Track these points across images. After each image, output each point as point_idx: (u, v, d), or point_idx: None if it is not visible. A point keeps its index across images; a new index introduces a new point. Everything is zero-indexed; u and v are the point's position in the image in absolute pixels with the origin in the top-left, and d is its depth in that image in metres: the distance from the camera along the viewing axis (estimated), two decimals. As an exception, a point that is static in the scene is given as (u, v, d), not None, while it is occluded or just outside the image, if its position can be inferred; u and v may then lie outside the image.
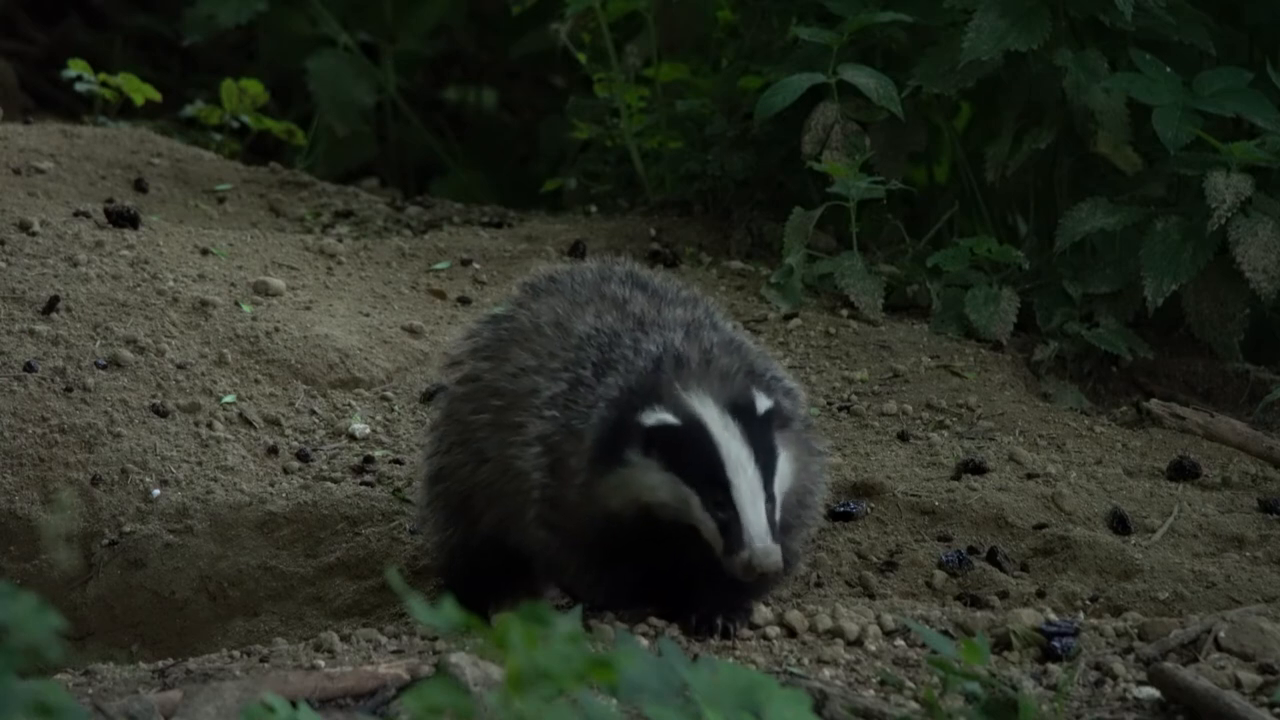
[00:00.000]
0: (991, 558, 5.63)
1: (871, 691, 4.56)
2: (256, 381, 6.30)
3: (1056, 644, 4.77)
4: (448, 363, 5.36)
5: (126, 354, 6.28)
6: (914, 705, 4.45)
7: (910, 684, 4.59)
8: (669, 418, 4.83)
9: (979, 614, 5.00)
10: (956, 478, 5.95)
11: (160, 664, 4.92)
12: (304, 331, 6.44)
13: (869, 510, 5.78)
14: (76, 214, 6.94)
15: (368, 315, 6.66)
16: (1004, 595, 5.48)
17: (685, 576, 4.93)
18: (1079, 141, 6.92)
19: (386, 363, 6.41)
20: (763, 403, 4.86)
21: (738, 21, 7.84)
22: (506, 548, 5.15)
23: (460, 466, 5.22)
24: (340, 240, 7.24)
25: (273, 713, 3.76)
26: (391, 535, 5.80)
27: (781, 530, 4.82)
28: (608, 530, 4.92)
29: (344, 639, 4.91)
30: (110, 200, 7.22)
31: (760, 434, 4.84)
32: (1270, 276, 6.49)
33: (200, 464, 6.03)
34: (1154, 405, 6.32)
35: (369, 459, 6.06)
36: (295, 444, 6.12)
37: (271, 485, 5.98)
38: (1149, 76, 6.68)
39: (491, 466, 5.12)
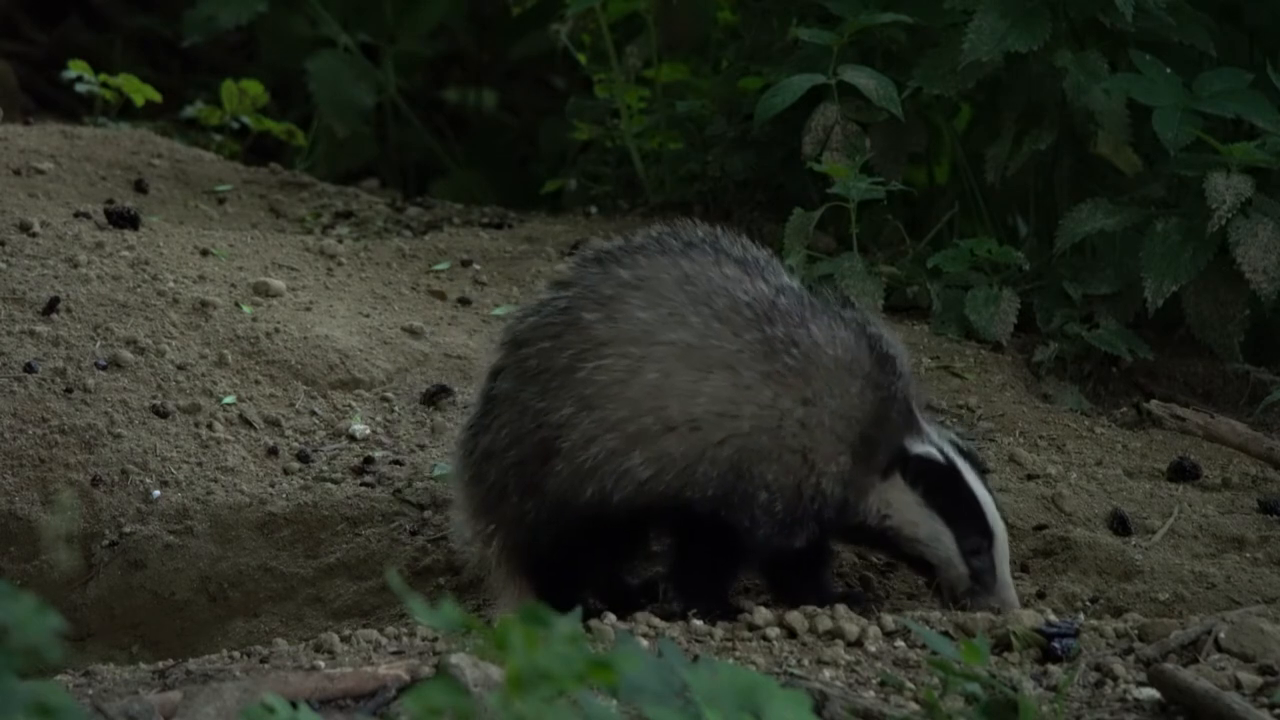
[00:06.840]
0: (992, 559, 5.63)
1: (872, 692, 4.56)
2: (257, 382, 6.30)
3: (1056, 645, 4.77)
4: (509, 346, 5.21)
5: (127, 355, 6.28)
6: (914, 706, 4.45)
7: (910, 685, 4.59)
8: (935, 455, 5.14)
9: (979, 615, 5.00)
10: (957, 478, 5.94)
11: (160, 665, 4.92)
12: (304, 332, 6.44)
13: (870, 511, 5.78)
14: (77, 215, 6.94)
15: (368, 316, 6.66)
16: (1004, 596, 5.48)
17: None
18: (1079, 142, 6.92)
19: (387, 363, 6.40)
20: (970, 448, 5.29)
21: (738, 22, 7.83)
22: (583, 513, 5.10)
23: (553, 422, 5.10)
24: (340, 241, 7.24)
25: (273, 713, 3.76)
26: (392, 536, 5.80)
27: None
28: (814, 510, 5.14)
29: (344, 640, 4.91)
30: (110, 201, 7.22)
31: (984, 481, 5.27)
32: (1270, 277, 6.48)
33: (200, 465, 6.03)
34: (1154, 406, 6.32)
35: (369, 460, 6.05)
36: (295, 445, 6.12)
37: (272, 486, 5.98)
38: (1149, 77, 6.67)
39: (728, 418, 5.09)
